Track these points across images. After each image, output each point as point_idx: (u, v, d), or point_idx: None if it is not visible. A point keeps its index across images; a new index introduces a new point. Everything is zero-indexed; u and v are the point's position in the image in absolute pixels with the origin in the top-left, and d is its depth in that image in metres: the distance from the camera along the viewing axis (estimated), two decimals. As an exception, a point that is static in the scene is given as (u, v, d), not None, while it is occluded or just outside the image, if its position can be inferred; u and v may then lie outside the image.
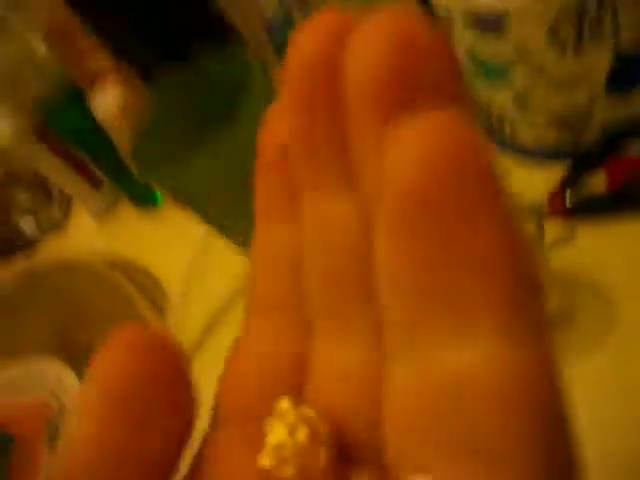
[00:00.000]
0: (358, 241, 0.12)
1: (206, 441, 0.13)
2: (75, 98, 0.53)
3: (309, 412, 0.12)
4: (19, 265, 0.54)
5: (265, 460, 0.12)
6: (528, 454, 0.09)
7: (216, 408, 0.14)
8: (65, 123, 0.57)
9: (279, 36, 0.52)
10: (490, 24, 0.36)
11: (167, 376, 0.11)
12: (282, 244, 0.13)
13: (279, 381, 0.13)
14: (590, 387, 0.34)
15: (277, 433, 0.12)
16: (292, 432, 0.12)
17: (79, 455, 0.11)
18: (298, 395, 0.13)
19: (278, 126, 0.13)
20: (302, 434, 0.12)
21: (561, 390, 0.10)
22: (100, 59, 0.49)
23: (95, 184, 0.67)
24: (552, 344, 0.10)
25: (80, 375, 0.44)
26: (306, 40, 0.11)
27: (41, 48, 0.52)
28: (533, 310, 0.09)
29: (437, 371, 0.10)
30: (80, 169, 0.65)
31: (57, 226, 0.72)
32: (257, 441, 0.12)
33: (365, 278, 0.11)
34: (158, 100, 0.38)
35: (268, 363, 0.13)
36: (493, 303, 0.09)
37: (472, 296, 0.09)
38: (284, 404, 0.12)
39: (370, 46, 0.10)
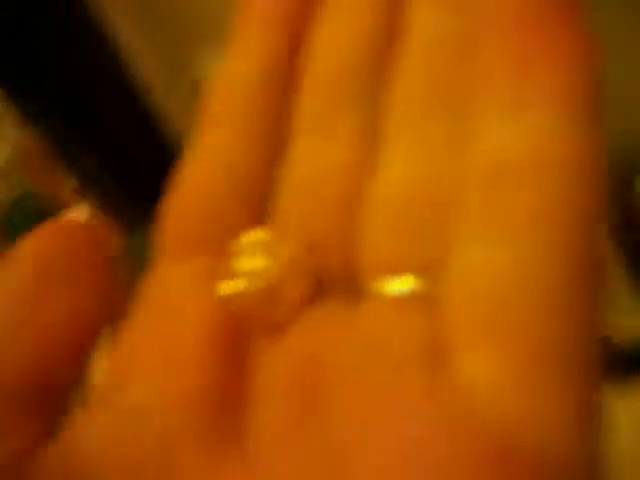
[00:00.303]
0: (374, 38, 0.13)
1: (150, 278, 0.13)
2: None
3: (285, 238, 0.11)
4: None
5: (235, 286, 0.11)
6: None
7: (161, 239, 0.13)
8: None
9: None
10: None
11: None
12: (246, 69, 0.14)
13: (238, 202, 0.13)
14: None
15: (252, 260, 0.11)
16: (271, 259, 0.11)
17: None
18: (259, 218, 0.13)
19: None
20: (281, 261, 0.11)
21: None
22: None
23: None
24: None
25: None
26: None
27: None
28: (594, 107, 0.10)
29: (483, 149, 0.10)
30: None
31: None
32: (214, 273, 0.12)
33: (369, 79, 0.13)
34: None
35: (226, 176, 0.13)
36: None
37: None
38: (259, 232, 0.12)
39: None
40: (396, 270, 0.11)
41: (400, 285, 0.11)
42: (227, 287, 0.11)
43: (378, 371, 0.10)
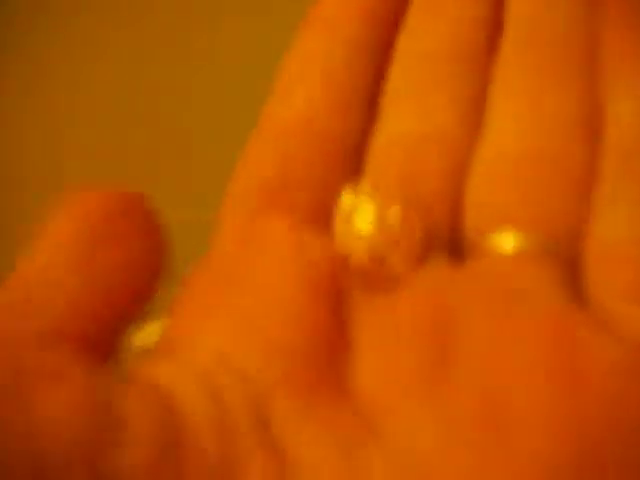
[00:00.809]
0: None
1: (228, 232, 0.13)
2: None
3: (392, 197, 0.11)
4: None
5: (353, 245, 0.11)
6: None
7: (240, 195, 0.13)
8: None
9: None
10: None
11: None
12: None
13: (330, 160, 0.13)
14: None
15: (364, 219, 0.11)
16: (382, 214, 0.11)
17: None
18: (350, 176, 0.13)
19: None
20: (394, 220, 0.11)
21: None
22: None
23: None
24: None
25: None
26: None
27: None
28: None
29: None
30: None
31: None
32: (313, 228, 0.12)
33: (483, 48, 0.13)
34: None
35: (318, 132, 0.13)
36: None
37: None
38: (365, 187, 0.11)
39: None
40: (509, 225, 0.11)
41: (515, 241, 0.11)
42: (344, 247, 0.11)
43: (525, 317, 0.10)
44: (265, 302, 0.11)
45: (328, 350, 0.11)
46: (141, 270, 0.11)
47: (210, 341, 0.11)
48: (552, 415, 0.09)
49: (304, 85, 0.14)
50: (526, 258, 0.11)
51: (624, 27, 0.12)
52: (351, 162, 0.13)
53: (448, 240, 0.12)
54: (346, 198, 0.11)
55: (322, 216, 0.12)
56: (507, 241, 0.11)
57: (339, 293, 0.11)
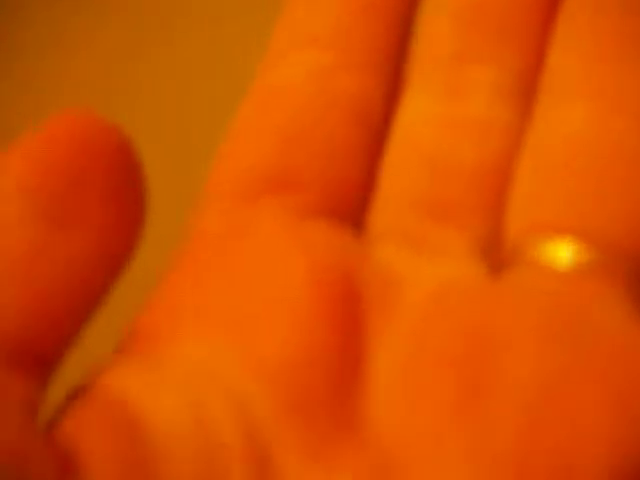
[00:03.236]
0: None
1: (212, 219, 0.11)
2: None
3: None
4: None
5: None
6: None
7: (222, 178, 0.11)
8: None
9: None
10: None
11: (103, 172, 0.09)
12: None
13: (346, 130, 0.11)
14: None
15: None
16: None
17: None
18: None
19: None
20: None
21: None
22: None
23: None
24: None
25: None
26: None
27: None
28: None
29: None
30: None
31: None
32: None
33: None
34: None
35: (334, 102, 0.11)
36: None
37: None
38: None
39: None
40: (566, 233, 0.09)
41: (567, 253, 0.09)
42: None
43: (588, 351, 0.08)
44: (262, 306, 0.09)
45: (338, 372, 0.09)
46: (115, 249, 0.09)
47: (194, 349, 0.09)
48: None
49: (309, 45, 0.11)
50: (586, 275, 0.09)
51: None
52: (369, 133, 0.11)
53: (485, 247, 0.10)
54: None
55: (334, 204, 0.10)
56: (562, 252, 0.09)
57: (352, 301, 0.09)
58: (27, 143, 0.08)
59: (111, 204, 0.09)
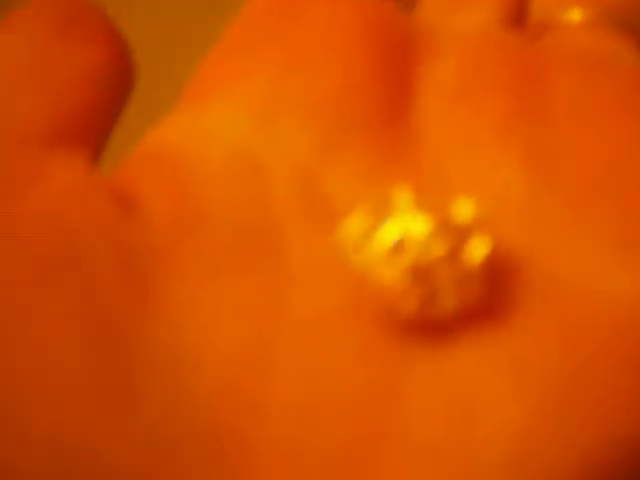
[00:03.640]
0: None
1: None
2: None
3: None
4: None
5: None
6: None
7: None
8: None
9: None
10: None
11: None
12: None
13: None
14: None
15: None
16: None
17: None
18: None
19: None
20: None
21: None
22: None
23: None
24: None
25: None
26: None
27: None
28: None
29: None
30: None
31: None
32: None
33: None
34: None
35: None
36: None
37: None
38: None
39: None
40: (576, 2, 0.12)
41: (582, 14, 0.11)
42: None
43: (610, 75, 0.10)
44: (314, 51, 0.10)
45: (387, 97, 0.09)
46: (104, 73, 0.10)
47: (244, 93, 0.09)
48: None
49: None
50: (595, 27, 0.11)
51: None
52: None
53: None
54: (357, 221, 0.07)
55: None
56: (575, 14, 0.12)
57: (401, 45, 0.10)
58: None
59: (106, 34, 0.10)
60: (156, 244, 0.08)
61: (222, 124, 0.09)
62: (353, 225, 0.07)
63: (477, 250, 0.07)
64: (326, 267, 0.08)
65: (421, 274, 0.06)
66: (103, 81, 0.10)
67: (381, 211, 0.07)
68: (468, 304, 0.07)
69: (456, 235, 0.07)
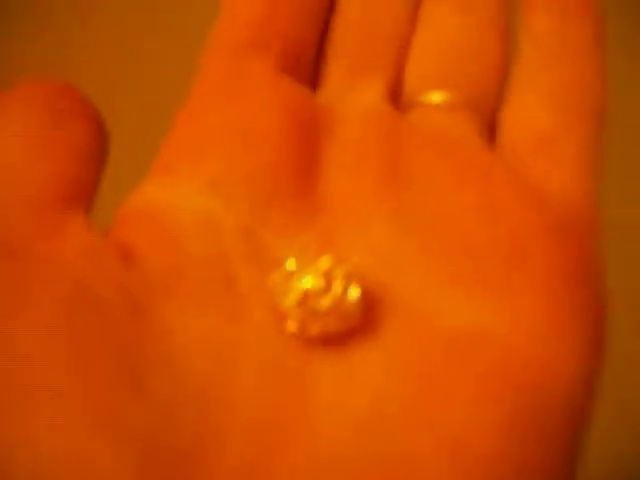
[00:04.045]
0: None
1: (210, 70, 0.14)
2: None
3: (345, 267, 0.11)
4: None
5: (292, 314, 0.10)
6: None
7: (217, 41, 0.15)
8: None
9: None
10: None
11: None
12: None
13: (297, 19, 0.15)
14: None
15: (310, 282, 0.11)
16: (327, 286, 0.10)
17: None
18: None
19: None
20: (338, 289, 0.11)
21: None
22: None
23: None
24: None
25: None
26: None
27: None
28: None
29: None
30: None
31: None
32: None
33: None
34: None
35: None
36: None
37: None
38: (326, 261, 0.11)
39: None
40: (439, 87, 0.15)
41: (443, 96, 0.15)
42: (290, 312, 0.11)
43: (459, 154, 0.14)
44: (248, 135, 0.13)
45: (300, 172, 0.13)
46: (89, 145, 0.12)
47: (201, 170, 0.12)
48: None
49: None
50: (453, 108, 0.14)
51: None
52: (319, 26, 0.15)
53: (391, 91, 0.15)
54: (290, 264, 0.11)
55: (298, 67, 0.15)
56: (437, 97, 0.15)
57: (310, 126, 0.14)
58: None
59: (88, 118, 0.12)
60: (153, 286, 0.11)
61: (188, 193, 0.12)
62: (276, 276, 0.11)
63: (353, 292, 0.11)
64: (262, 297, 0.11)
65: (313, 310, 0.10)
66: (89, 152, 0.12)
67: (294, 269, 0.11)
68: (351, 326, 0.11)
69: (340, 283, 0.11)
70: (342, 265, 0.11)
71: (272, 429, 0.10)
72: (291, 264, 0.11)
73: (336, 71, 0.15)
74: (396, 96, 0.15)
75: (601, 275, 0.13)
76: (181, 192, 0.12)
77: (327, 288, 0.10)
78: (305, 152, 0.13)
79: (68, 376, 0.10)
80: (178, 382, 0.10)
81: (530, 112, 0.14)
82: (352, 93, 0.15)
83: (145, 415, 0.10)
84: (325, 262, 0.11)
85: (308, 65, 0.15)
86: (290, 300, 0.11)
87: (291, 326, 0.11)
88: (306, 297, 0.10)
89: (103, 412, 0.09)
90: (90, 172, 0.12)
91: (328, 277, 0.11)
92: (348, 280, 0.11)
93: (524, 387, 0.11)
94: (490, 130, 0.15)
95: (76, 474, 0.09)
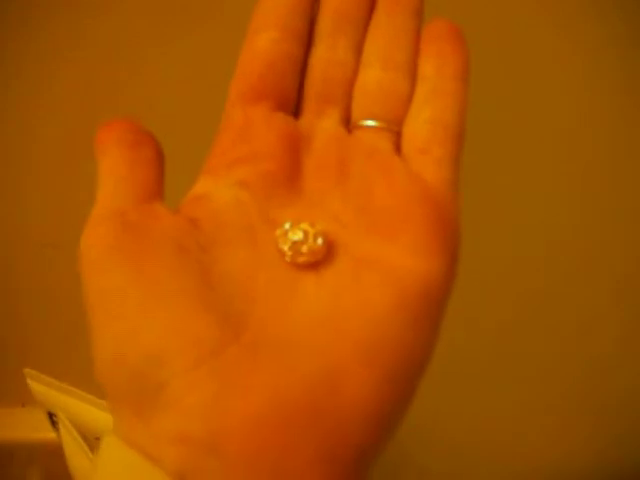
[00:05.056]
0: None
1: (231, 113, 0.22)
2: None
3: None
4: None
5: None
6: None
7: (234, 90, 0.22)
8: None
9: None
10: None
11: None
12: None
13: (288, 70, 0.22)
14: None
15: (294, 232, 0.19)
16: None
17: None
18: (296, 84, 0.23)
19: None
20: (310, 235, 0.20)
21: None
22: None
23: None
24: None
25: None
26: None
27: None
28: None
29: None
30: None
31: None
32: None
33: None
34: None
35: (279, 53, 0.22)
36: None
37: None
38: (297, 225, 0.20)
39: None
40: (372, 116, 0.22)
41: (374, 123, 0.22)
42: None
43: (380, 158, 0.21)
44: (258, 152, 0.21)
45: (289, 175, 0.21)
46: (158, 161, 0.20)
47: (232, 174, 0.20)
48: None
49: (267, 28, 0.22)
50: (378, 130, 0.22)
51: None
52: (301, 73, 0.23)
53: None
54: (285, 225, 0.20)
55: (285, 105, 0.22)
56: (369, 122, 0.22)
57: (296, 143, 0.21)
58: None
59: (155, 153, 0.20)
60: (208, 238, 0.19)
61: (224, 187, 0.20)
62: (278, 232, 0.20)
63: (319, 240, 0.19)
64: (270, 243, 0.19)
65: (298, 249, 0.19)
66: (157, 164, 0.20)
67: (288, 228, 0.20)
68: (319, 258, 0.20)
69: (312, 236, 0.19)
70: (313, 226, 0.20)
71: (275, 313, 0.18)
72: (286, 225, 0.20)
73: (309, 105, 0.23)
74: (347, 121, 0.23)
75: (456, 228, 0.20)
76: (220, 187, 0.20)
77: (306, 238, 0.19)
78: (292, 161, 0.21)
79: (182, 292, 0.17)
80: (227, 287, 0.18)
81: (415, 131, 0.21)
82: (320, 120, 0.22)
83: (215, 305, 0.17)
84: (304, 225, 0.20)
85: (292, 101, 0.22)
86: (286, 245, 0.20)
87: (287, 258, 0.20)
88: (294, 243, 0.19)
89: (200, 302, 0.17)
90: (160, 176, 0.20)
91: (306, 233, 0.20)
92: (316, 234, 0.20)
93: (411, 285, 0.18)
94: (398, 141, 0.22)
95: (179, 344, 0.16)
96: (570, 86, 0.38)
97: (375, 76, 0.22)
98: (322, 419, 0.15)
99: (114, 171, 0.19)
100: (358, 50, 0.23)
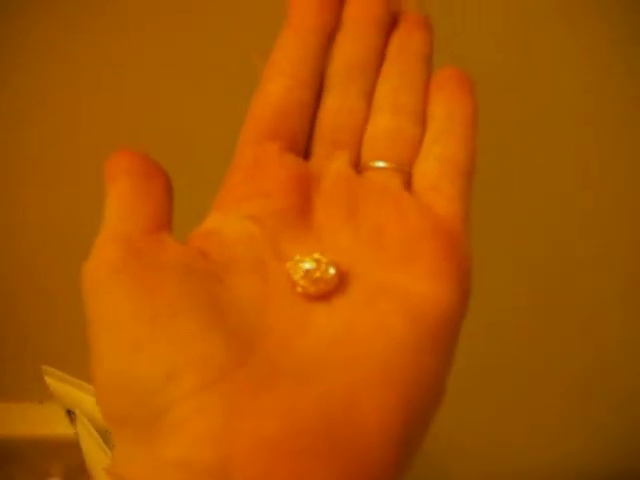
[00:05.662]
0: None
1: (242, 151, 0.23)
2: None
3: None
4: None
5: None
6: None
7: (246, 132, 0.23)
8: None
9: None
10: None
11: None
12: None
13: (299, 118, 0.23)
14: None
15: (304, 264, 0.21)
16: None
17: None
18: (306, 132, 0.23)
19: None
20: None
21: None
22: None
23: None
24: None
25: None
26: None
27: None
28: None
29: None
30: None
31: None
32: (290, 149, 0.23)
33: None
34: None
35: (291, 100, 0.23)
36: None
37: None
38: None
39: None
40: (382, 159, 0.23)
41: (384, 164, 0.23)
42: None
43: (390, 194, 0.22)
44: (269, 191, 0.21)
45: (300, 214, 0.21)
46: (167, 192, 0.20)
47: (242, 209, 0.20)
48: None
49: (284, 71, 0.23)
50: (388, 170, 0.23)
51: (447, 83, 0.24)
52: (312, 118, 0.23)
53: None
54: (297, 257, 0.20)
55: (296, 146, 0.22)
56: (379, 164, 0.23)
57: (306, 183, 0.22)
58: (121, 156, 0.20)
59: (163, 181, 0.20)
60: (219, 268, 0.18)
61: (234, 221, 0.20)
62: (289, 263, 0.20)
63: (331, 270, 0.20)
64: (281, 275, 0.19)
65: (310, 280, 0.19)
66: (166, 196, 0.20)
67: (299, 259, 0.20)
68: (331, 289, 0.20)
69: (324, 266, 0.20)
70: (324, 257, 0.20)
71: (286, 340, 0.17)
72: (297, 257, 0.20)
73: (319, 148, 0.23)
74: (356, 163, 0.23)
75: (468, 257, 0.20)
76: (230, 221, 0.20)
77: (317, 268, 0.20)
78: (302, 199, 0.21)
79: (190, 312, 0.17)
80: (237, 314, 0.17)
81: (425, 169, 0.22)
82: (330, 162, 0.22)
83: (225, 328, 0.17)
84: (315, 255, 0.20)
85: (302, 144, 0.23)
86: (298, 275, 0.20)
87: (299, 289, 0.20)
88: (306, 273, 0.20)
89: (209, 323, 0.17)
90: (169, 209, 0.20)
91: (318, 263, 0.20)
92: (328, 264, 0.20)
93: (427, 311, 0.18)
94: (409, 180, 0.22)
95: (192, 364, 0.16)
96: (573, 85, 0.39)
97: (386, 122, 0.23)
98: (339, 446, 0.15)
99: (123, 199, 0.19)
100: (369, 97, 0.24)
